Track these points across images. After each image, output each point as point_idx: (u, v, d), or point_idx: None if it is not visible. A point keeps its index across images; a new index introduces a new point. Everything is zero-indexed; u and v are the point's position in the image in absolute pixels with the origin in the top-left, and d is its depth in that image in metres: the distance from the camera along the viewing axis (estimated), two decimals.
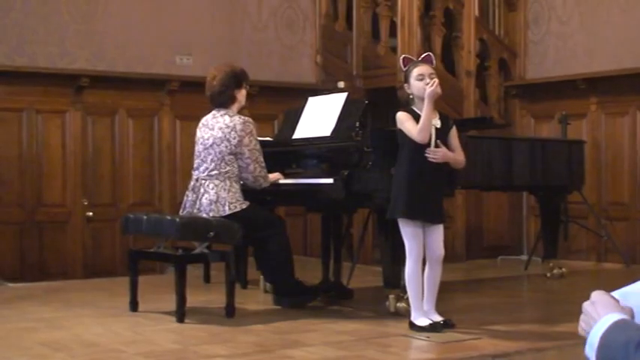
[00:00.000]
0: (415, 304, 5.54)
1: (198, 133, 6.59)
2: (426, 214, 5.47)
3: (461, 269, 9.38)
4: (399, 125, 5.50)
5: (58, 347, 5.11)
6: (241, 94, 6.58)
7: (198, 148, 6.52)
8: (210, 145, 6.39)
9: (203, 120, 6.62)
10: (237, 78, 6.57)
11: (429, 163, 5.44)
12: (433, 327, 5.47)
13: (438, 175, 5.50)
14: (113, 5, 9.83)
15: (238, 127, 6.34)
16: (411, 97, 5.52)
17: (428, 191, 5.45)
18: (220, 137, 6.35)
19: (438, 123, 5.50)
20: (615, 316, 1.99)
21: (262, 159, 6.46)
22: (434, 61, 5.63)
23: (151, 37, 10.02)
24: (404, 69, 5.57)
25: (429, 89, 5.36)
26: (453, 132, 5.61)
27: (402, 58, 5.72)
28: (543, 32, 10.76)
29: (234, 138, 6.32)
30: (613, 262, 9.56)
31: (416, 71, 5.48)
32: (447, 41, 10.45)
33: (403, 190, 5.44)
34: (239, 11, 10.66)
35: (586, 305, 2.10)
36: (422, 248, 5.47)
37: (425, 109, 5.37)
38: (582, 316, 2.10)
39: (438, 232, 5.54)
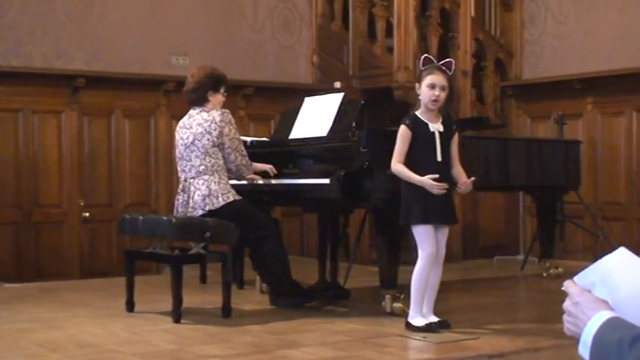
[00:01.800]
0: (415, 304, 5.53)
1: (177, 135, 6.62)
2: (441, 216, 5.49)
3: (457, 269, 9.38)
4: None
5: (54, 347, 5.11)
6: (216, 98, 6.57)
7: (179, 149, 6.54)
8: (192, 142, 6.41)
9: (180, 123, 6.68)
10: (214, 80, 6.58)
11: (431, 166, 5.45)
12: (429, 327, 5.48)
13: (443, 176, 5.50)
14: (109, 6, 9.82)
15: (217, 118, 6.38)
16: (419, 97, 5.53)
17: (440, 194, 5.45)
18: (201, 132, 6.38)
19: (440, 127, 5.52)
20: (606, 314, 2.00)
21: (243, 148, 6.52)
22: (452, 68, 5.60)
23: (147, 38, 10.01)
24: (422, 68, 5.57)
25: (432, 188, 5.38)
26: (455, 139, 5.63)
27: (423, 57, 5.69)
28: (539, 32, 10.77)
29: (215, 129, 6.35)
30: None
31: (429, 79, 5.46)
32: (443, 41, 10.45)
33: (415, 196, 5.44)
34: (235, 11, 10.65)
35: (569, 306, 2.10)
36: (435, 247, 5.47)
37: (415, 178, 5.41)
38: (566, 317, 2.11)
39: (443, 233, 5.58)
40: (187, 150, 6.45)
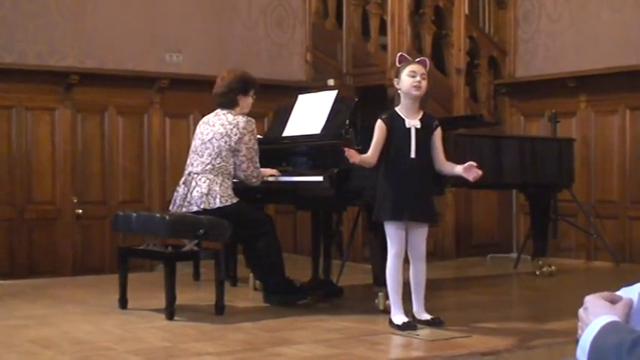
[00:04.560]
0: (394, 300, 5.53)
1: (198, 129, 6.64)
2: (413, 214, 5.46)
3: (450, 267, 9.40)
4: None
5: (47, 344, 5.10)
6: (245, 101, 6.60)
7: (196, 143, 6.55)
8: (209, 140, 6.41)
9: (204, 118, 6.70)
10: (244, 84, 6.61)
11: (404, 162, 5.44)
12: (406, 325, 5.46)
13: (421, 175, 5.48)
14: (103, 3, 9.81)
15: (241, 124, 6.38)
16: (398, 92, 5.53)
17: (412, 191, 5.43)
18: (221, 133, 6.38)
19: (417, 124, 5.50)
20: (605, 319, 1.98)
21: (257, 159, 6.49)
22: (427, 66, 5.63)
23: (140, 35, 10.01)
24: (398, 65, 5.58)
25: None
26: (437, 134, 5.57)
27: (399, 55, 5.72)
28: (533, 30, 10.77)
29: (236, 135, 6.36)
30: (602, 260, 9.58)
31: (410, 67, 5.49)
32: (436, 39, 10.45)
33: (387, 191, 5.44)
34: (229, 9, 10.65)
35: (580, 312, 2.09)
36: (404, 245, 5.47)
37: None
38: (579, 323, 2.09)
39: (421, 231, 5.54)
40: (203, 146, 6.45)
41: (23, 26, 9.36)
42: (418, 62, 5.58)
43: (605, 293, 2.12)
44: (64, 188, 9.54)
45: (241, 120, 6.42)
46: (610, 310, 2.02)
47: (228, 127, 6.40)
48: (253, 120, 6.53)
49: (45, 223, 9.45)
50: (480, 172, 5.46)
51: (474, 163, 5.46)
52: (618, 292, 2.14)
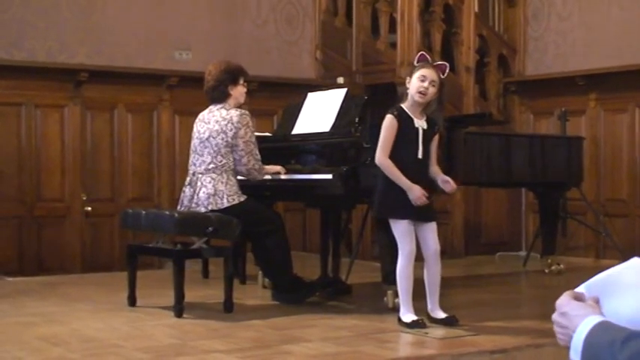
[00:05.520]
0: (404, 300, 5.52)
1: (195, 127, 6.61)
2: (422, 213, 5.45)
3: (459, 265, 9.39)
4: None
5: (56, 342, 5.11)
6: (237, 91, 6.55)
7: (194, 142, 6.52)
8: (207, 139, 6.39)
9: (200, 115, 6.64)
10: (231, 74, 6.54)
11: (411, 162, 5.43)
12: (415, 324, 5.45)
13: (422, 174, 5.48)
14: (112, 0, 9.82)
15: (235, 118, 6.34)
16: (407, 90, 5.52)
17: None
18: (217, 130, 6.35)
19: (424, 124, 5.50)
20: (595, 319, 2.01)
21: (257, 151, 6.44)
22: (446, 72, 5.60)
23: (150, 32, 10.01)
24: (415, 64, 5.56)
25: (416, 200, 5.37)
26: (436, 138, 5.61)
27: (420, 53, 5.68)
28: (543, 28, 10.76)
29: (231, 130, 6.32)
30: (611, 258, 9.55)
31: (422, 71, 5.45)
32: (446, 37, 10.45)
33: (393, 190, 5.43)
34: (238, 6, 10.65)
35: (556, 317, 2.11)
36: (414, 245, 5.46)
37: (403, 181, 5.39)
38: (557, 328, 2.11)
39: (430, 228, 5.53)
40: (201, 145, 6.43)
41: (33, 23, 9.37)
42: (435, 66, 5.54)
43: (572, 292, 2.15)
44: (74, 186, 9.56)
45: (235, 114, 6.38)
46: (593, 310, 2.05)
47: (223, 123, 6.37)
48: (247, 112, 6.48)
49: (54, 221, 9.47)
50: (454, 187, 5.55)
51: (450, 180, 5.53)
52: (578, 289, 2.17)
